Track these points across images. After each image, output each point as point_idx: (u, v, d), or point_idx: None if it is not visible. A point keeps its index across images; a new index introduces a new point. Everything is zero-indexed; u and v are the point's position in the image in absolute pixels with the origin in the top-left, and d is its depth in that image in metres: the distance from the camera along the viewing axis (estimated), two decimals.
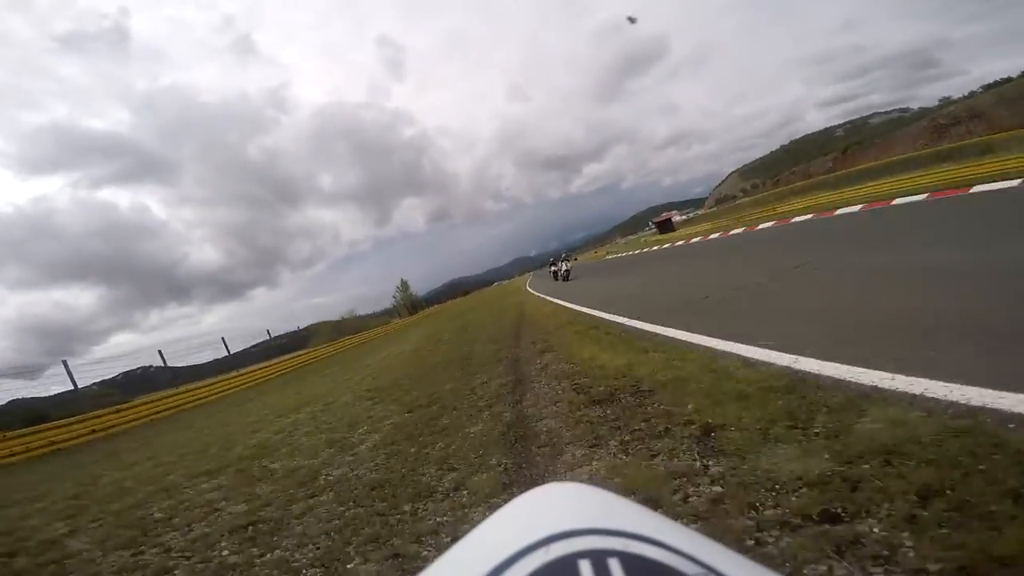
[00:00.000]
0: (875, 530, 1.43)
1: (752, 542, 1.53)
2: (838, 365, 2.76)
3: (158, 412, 14.18)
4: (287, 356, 25.98)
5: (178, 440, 8.49)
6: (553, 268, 25.61)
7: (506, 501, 0.47)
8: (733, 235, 21.10)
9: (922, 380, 2.30)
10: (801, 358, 3.03)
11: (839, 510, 1.56)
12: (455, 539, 0.38)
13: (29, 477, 8.18)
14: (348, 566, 2.26)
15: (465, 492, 2.66)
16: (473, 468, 2.96)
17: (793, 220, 18.81)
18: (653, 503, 1.94)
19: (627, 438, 2.63)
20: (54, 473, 8.01)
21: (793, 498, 1.70)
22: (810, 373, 2.76)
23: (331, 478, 3.64)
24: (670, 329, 5.00)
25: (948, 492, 1.49)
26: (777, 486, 1.81)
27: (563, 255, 24.42)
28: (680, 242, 27.66)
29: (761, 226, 21.68)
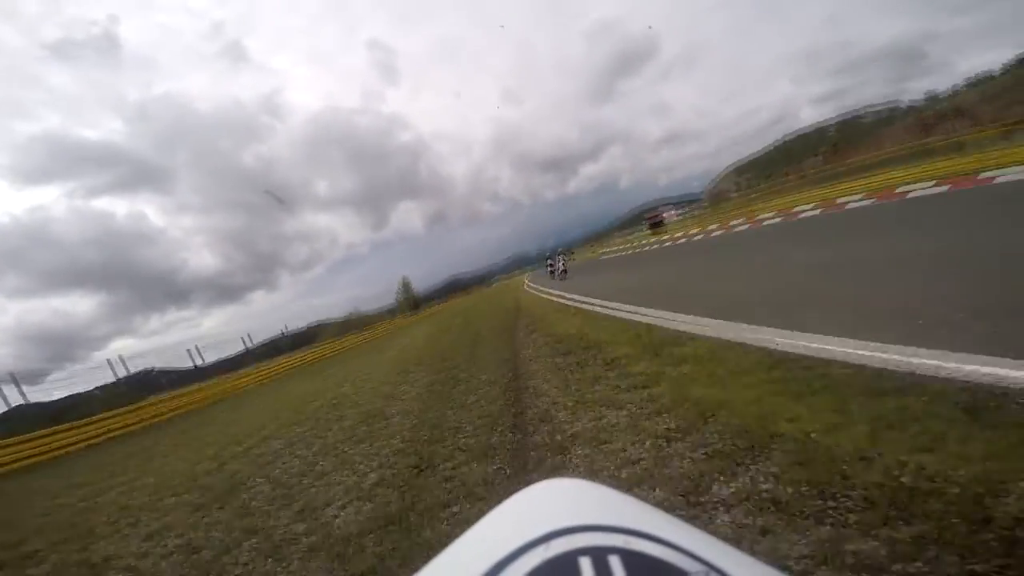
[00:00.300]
0: (658, 389, 3.44)
1: (612, 398, 3.55)
2: (698, 318, 4.80)
3: (206, 399, 16.25)
4: (304, 350, 27.83)
5: (243, 416, 10.58)
6: (550, 265, 25.73)
7: (505, 496, 0.48)
8: (712, 236, 23.12)
9: (733, 323, 4.33)
10: (679, 315, 5.08)
11: (649, 384, 3.58)
12: (455, 537, 0.40)
13: (139, 446, 10.31)
14: (423, 436, 4.28)
15: (482, 401, 4.71)
16: (485, 388, 5.03)
17: (763, 223, 20.87)
18: (585, 396, 3.95)
19: (572, 365, 4.69)
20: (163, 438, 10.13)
21: (634, 380, 3.74)
22: (680, 329, 4.81)
23: (392, 411, 5.69)
24: (624, 305, 7.06)
25: (701, 374, 3.49)
26: (631, 377, 3.85)
27: (559, 251, 24.87)
28: (667, 240, 29.83)
29: (733, 224, 23.88)
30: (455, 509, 2.71)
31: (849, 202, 17.25)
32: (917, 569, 1.36)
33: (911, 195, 14.54)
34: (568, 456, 2.83)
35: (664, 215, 48.73)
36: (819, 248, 8.58)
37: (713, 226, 26.14)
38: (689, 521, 0.35)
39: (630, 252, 31.85)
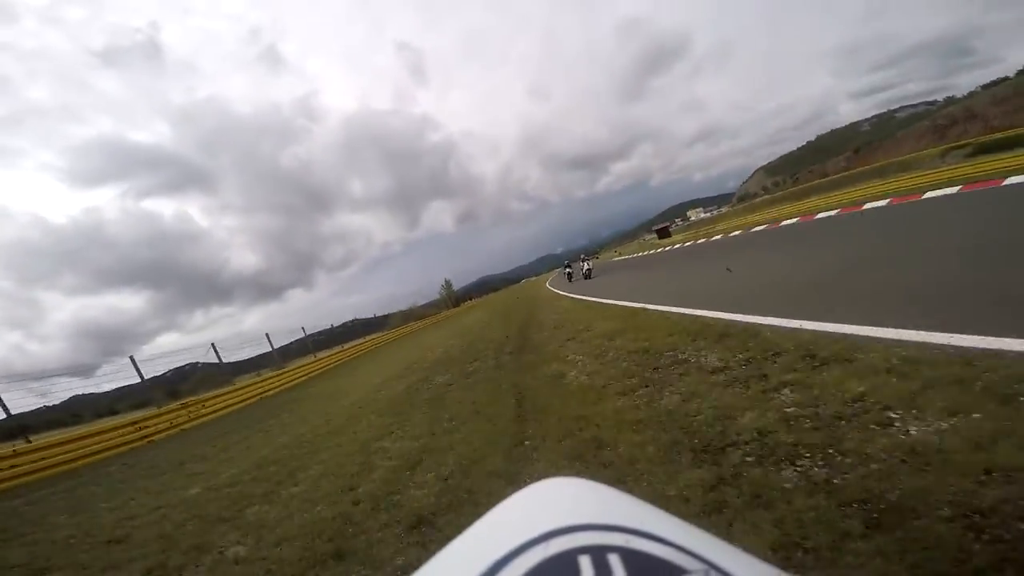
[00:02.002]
0: (559, 304, 7.61)
1: (546, 311, 8.03)
2: (671, 307, 8.87)
3: (312, 372, 21.14)
4: (385, 332, 35.49)
5: (427, 338, 16.51)
6: (568, 271, 27.45)
7: (510, 493, 0.47)
8: (712, 240, 26.58)
9: (667, 306, 8.39)
10: (647, 304, 9.19)
11: (556, 305, 7.83)
12: (455, 536, 0.40)
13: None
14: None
15: (518, 318, 9.59)
16: (515, 321, 9.52)
17: (753, 229, 24.30)
18: (546, 314, 8.07)
19: (544, 305, 8.98)
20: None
21: (554, 306, 8.09)
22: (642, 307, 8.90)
23: (492, 326, 10.77)
24: (607, 299, 11.18)
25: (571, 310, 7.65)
26: (555, 305, 8.28)
27: (582, 256, 27.68)
28: (677, 245, 33.34)
29: (733, 231, 27.26)
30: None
31: (820, 213, 20.64)
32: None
33: (867, 206, 17.89)
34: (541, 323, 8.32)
35: (670, 225, 52.67)
36: (755, 252, 12.40)
37: (717, 235, 29.43)
38: (689, 520, 0.37)
39: (639, 255, 35.52)
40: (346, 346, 27.81)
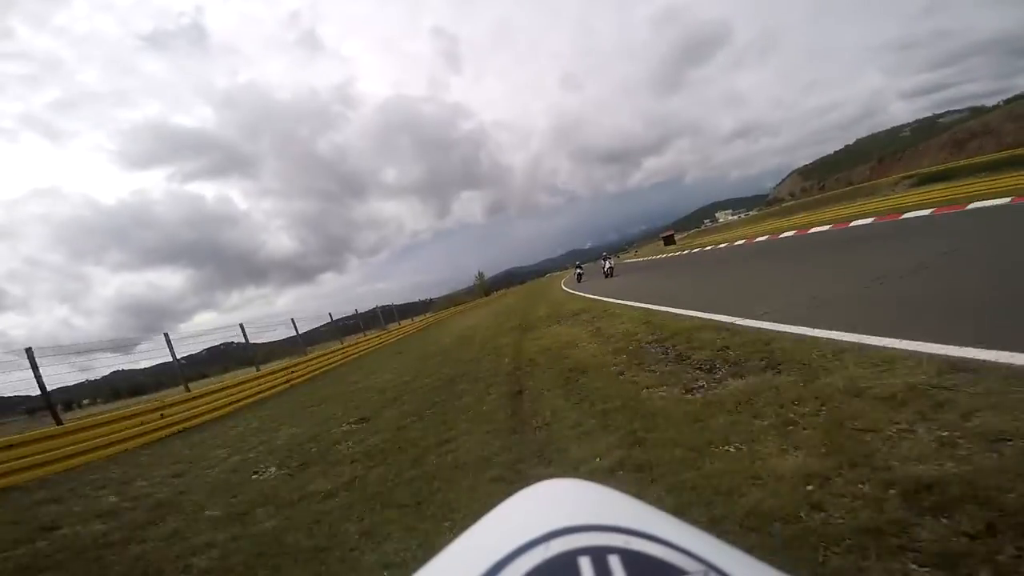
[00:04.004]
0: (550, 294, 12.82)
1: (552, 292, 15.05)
2: (656, 305, 13.92)
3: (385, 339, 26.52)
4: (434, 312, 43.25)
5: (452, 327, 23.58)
6: (579, 271, 28.74)
7: (509, 494, 0.48)
8: (706, 251, 30.08)
9: (633, 302, 13.45)
10: (590, 295, 14.12)
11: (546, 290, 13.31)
12: (456, 536, 0.41)
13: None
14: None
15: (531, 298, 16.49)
16: (531, 302, 15.99)
17: (736, 243, 27.92)
18: (549, 296, 13.01)
19: (546, 291, 15.29)
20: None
21: (554, 296, 14.15)
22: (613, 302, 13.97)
23: (519, 302, 17.91)
24: (580, 292, 16.34)
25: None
26: (552, 292, 14.38)
27: (604, 254, 29.38)
28: (677, 252, 36.93)
29: (737, 241, 30.63)
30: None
31: (783, 233, 24.20)
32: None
33: (813, 230, 21.50)
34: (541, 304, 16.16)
35: (674, 233, 57.37)
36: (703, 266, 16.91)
37: (722, 244, 32.36)
38: (689, 521, 0.37)
39: (644, 260, 39.34)
40: (428, 314, 39.91)
